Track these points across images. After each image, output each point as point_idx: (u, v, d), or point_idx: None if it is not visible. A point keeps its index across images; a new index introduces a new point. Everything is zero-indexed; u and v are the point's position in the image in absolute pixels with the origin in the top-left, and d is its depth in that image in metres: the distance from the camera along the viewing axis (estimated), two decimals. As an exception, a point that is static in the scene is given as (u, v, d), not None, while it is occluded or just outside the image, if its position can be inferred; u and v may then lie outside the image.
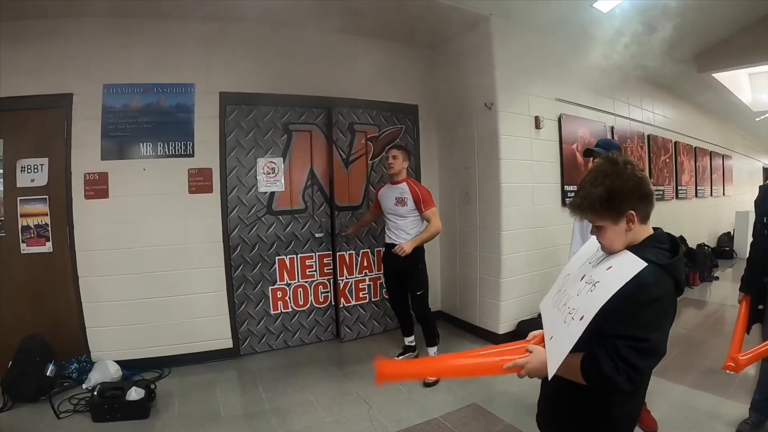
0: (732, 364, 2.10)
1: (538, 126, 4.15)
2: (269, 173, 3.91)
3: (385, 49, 4.39)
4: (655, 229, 1.25)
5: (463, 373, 1.38)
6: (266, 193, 3.91)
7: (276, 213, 3.94)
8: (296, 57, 4.00)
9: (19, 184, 3.59)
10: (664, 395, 2.88)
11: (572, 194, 4.39)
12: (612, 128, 5.11)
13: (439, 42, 4.44)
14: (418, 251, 3.35)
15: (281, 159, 3.95)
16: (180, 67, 3.70)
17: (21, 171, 3.62)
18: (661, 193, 6.11)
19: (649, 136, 5.90)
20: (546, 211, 4.24)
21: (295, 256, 3.99)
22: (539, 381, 1.39)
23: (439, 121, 4.67)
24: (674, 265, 1.13)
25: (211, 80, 3.77)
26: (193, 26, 3.70)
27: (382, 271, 3.86)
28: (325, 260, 4.10)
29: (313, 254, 4.06)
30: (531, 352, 1.25)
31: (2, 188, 3.64)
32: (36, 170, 3.63)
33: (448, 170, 4.56)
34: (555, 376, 1.16)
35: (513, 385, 3.02)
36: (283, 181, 3.94)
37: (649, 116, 5.94)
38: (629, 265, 1.10)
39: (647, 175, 1.21)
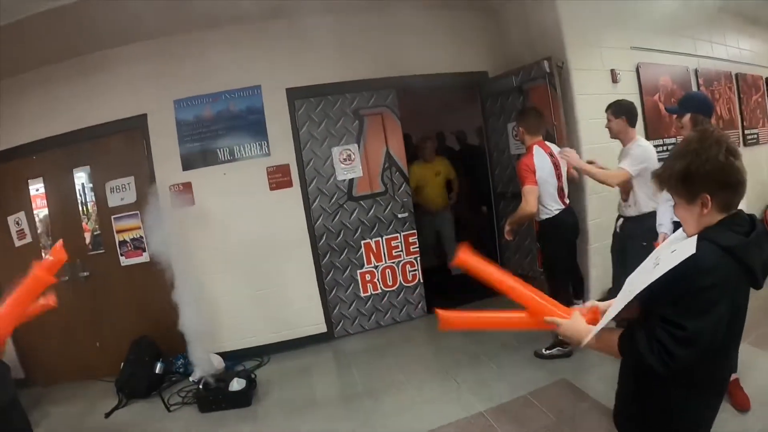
0: None
1: (614, 80, 4.06)
2: (346, 160, 4.10)
3: (446, 18, 4.37)
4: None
5: (512, 294, 1.44)
6: (345, 180, 4.11)
7: (357, 198, 4.13)
8: (356, 41, 4.11)
9: (110, 204, 4.06)
10: (758, 368, 2.66)
11: (658, 149, 4.32)
12: (696, 71, 4.91)
13: (500, 1, 4.38)
14: (545, 230, 3.33)
15: (356, 145, 4.13)
16: (244, 70, 3.96)
17: (111, 192, 4.08)
18: (755, 137, 5.83)
19: (737, 75, 5.61)
20: (632, 170, 4.18)
21: (380, 238, 4.20)
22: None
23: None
24: (743, 248, 1.06)
25: (276, 78, 4.00)
26: (249, 30, 3.94)
27: None
28: (411, 239, 4.27)
29: (398, 234, 4.24)
30: (571, 317, 1.30)
31: (96, 209, 4.13)
32: (124, 189, 4.05)
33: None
34: (626, 369, 1.26)
35: (603, 360, 3.04)
36: (360, 166, 4.13)
37: (734, 53, 5.61)
38: (686, 249, 1.06)
39: (738, 161, 1.11)
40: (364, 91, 4.16)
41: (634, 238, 2.95)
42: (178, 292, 3.49)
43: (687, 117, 2.47)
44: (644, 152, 2.94)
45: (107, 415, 3.54)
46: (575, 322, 1.28)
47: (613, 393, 1.43)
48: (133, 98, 3.88)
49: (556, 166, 3.24)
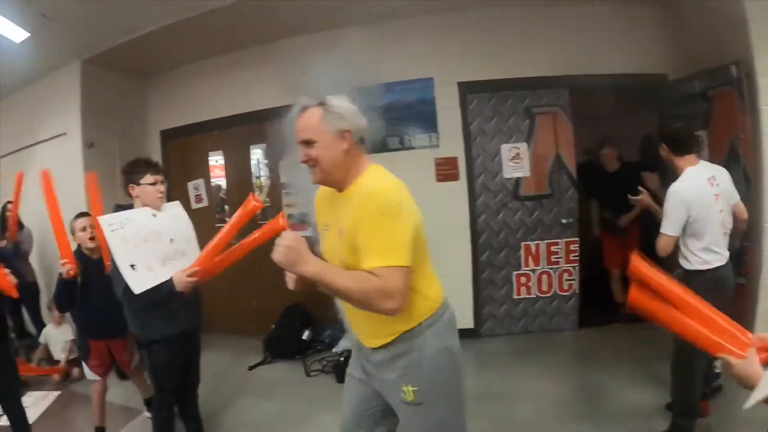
0: None
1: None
2: (514, 159, 4.08)
3: (623, 13, 4.12)
4: None
5: (676, 325, 1.27)
6: (512, 179, 4.10)
7: (522, 199, 4.10)
8: (530, 36, 4.05)
9: (282, 180, 4.45)
10: None
11: None
12: None
13: None
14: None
15: (525, 144, 4.09)
16: (417, 63, 4.08)
17: (283, 169, 4.43)
18: None
19: None
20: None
21: (541, 242, 4.13)
22: None
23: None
24: None
25: (448, 72, 4.08)
26: (424, 22, 4.04)
27: None
28: (572, 247, 4.14)
29: (560, 241, 4.13)
30: (747, 355, 1.13)
31: (269, 183, 4.61)
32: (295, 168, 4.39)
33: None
34: None
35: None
36: (528, 166, 4.09)
37: None
38: None
39: None
40: (536, 89, 4.09)
41: None
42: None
43: None
44: (677, 200, 2.29)
45: (251, 368, 4.01)
46: (748, 365, 1.12)
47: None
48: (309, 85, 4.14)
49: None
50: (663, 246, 2.33)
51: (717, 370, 2.84)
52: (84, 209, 4.18)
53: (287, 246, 1.33)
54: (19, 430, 2.65)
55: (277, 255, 1.33)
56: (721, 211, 2.36)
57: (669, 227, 2.31)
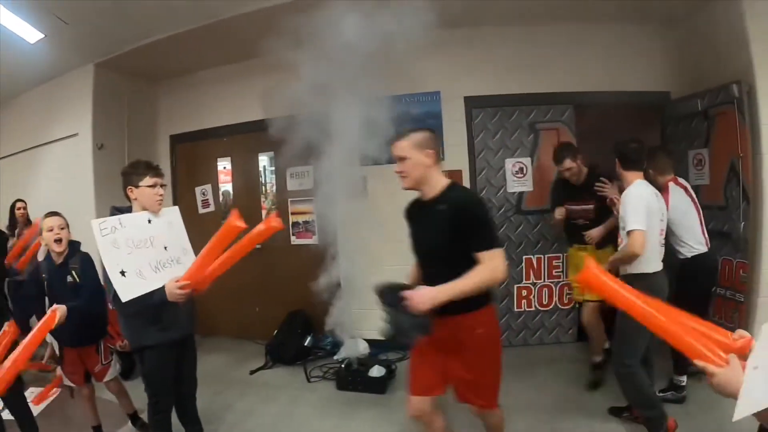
0: None
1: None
2: (518, 173, 4.16)
3: (627, 33, 4.22)
4: None
5: (660, 332, 1.20)
6: (515, 193, 4.17)
7: (524, 213, 4.17)
8: (534, 54, 4.14)
9: (289, 188, 4.55)
10: None
11: None
12: None
13: (682, 16, 4.09)
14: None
15: (529, 159, 4.16)
16: (424, 76, 4.13)
17: (290, 177, 4.55)
18: None
19: None
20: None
21: (542, 256, 4.19)
22: None
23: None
24: None
25: (455, 86, 4.17)
26: (432, 37, 4.10)
27: None
28: (573, 261, 4.21)
29: (561, 255, 4.17)
30: (728, 364, 1.08)
31: (275, 191, 4.66)
32: (303, 176, 4.48)
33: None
34: None
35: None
36: (531, 180, 4.16)
37: None
38: None
39: None
40: (541, 104, 4.17)
41: None
42: (338, 274, 3.79)
43: None
44: (635, 197, 2.50)
45: (252, 372, 4.08)
46: (732, 374, 1.06)
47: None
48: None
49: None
50: (639, 242, 2.41)
51: (683, 383, 3.01)
52: (92, 209, 4.36)
53: None
54: (24, 424, 2.68)
55: None
56: (661, 221, 2.63)
57: (638, 222, 2.43)
